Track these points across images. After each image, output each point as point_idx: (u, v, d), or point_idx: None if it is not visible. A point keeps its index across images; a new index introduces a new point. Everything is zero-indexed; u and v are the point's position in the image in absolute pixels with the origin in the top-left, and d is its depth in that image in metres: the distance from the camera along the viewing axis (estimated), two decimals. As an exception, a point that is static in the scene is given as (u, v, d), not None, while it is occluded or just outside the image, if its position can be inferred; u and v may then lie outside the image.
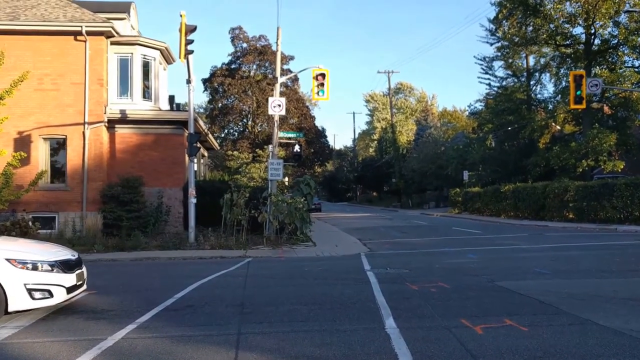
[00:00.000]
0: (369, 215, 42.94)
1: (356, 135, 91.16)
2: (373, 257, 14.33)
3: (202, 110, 53.05)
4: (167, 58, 22.27)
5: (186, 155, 21.66)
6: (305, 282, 10.37)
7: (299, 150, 19.98)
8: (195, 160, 22.80)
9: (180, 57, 14.14)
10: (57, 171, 19.52)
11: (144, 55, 20.65)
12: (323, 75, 19.40)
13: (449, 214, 39.75)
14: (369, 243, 18.67)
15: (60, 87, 19.23)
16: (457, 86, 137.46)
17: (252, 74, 40.35)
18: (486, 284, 9.70)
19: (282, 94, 40.00)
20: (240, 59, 39.88)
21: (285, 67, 41.13)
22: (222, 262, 14.01)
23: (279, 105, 19.66)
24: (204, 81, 41.47)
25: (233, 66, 40.50)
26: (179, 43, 14.60)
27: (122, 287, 10.10)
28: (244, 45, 40.13)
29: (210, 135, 25.59)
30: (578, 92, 22.82)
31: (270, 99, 19.86)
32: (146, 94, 20.84)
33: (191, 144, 16.37)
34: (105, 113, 19.53)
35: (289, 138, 21.81)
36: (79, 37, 19.36)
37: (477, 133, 51.13)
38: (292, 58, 41.02)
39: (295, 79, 41.35)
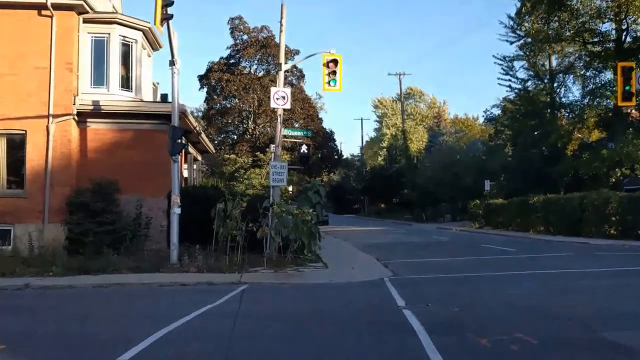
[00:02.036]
0: (381, 229, 40.06)
1: (364, 143, 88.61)
2: (402, 285, 11.44)
3: (199, 115, 50.20)
4: (152, 42, 19.53)
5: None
6: (321, 331, 7.46)
7: (306, 151, 17.23)
8: (180, 160, 19.96)
9: (155, 23, 11.38)
10: (14, 174, 16.66)
11: (124, 36, 17.91)
12: (335, 61, 16.70)
13: (468, 228, 36.85)
14: (389, 263, 15.80)
15: (20, 72, 16.44)
16: (468, 93, 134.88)
17: (252, 70, 37.69)
18: (589, 337, 6.85)
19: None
20: (241, 53, 37.12)
21: (289, 62, 38.47)
22: (209, 290, 11.15)
23: (283, 98, 16.88)
24: (200, 78, 38.66)
25: (232, 61, 37.75)
26: (154, 5, 11.75)
27: (45, 338, 7.16)
28: (245, 37, 37.39)
29: (203, 136, 22.78)
30: (627, 87, 19.94)
31: (273, 90, 17.08)
32: (125, 82, 18.07)
33: (174, 139, 13.55)
34: (74, 104, 16.72)
35: (295, 137, 18.98)
36: (43, 12, 16.58)
37: (493, 140, 48.63)
38: (297, 52, 38.26)
39: (301, 76, 38.65)
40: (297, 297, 10.40)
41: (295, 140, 20.84)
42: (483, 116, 68.61)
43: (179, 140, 13.72)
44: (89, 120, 17.23)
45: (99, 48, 17.67)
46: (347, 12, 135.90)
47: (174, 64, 14.07)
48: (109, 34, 17.62)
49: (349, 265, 15.19)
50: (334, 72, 16.74)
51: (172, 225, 14.06)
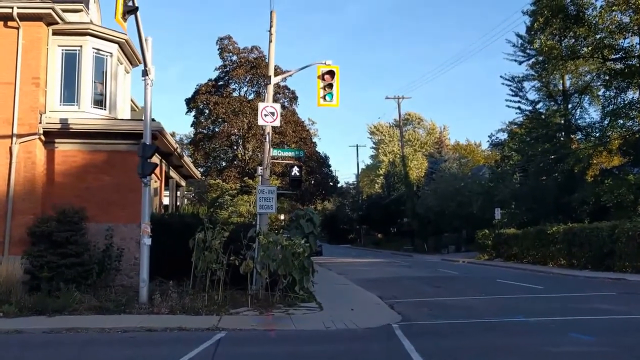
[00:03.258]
0: (380, 261, 38.34)
1: (359, 171, 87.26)
2: (417, 335, 9.73)
3: (187, 142, 48.71)
4: (131, 57, 18.25)
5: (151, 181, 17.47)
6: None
7: (298, 173, 15.72)
8: (160, 185, 18.56)
9: (116, 16, 10.01)
10: (-30, 200, 15.19)
11: (98, 49, 16.63)
12: (332, 73, 15.41)
13: (477, 260, 35.15)
14: (396, 304, 14.18)
15: (-20, 87, 15.13)
16: (466, 119, 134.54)
17: (242, 92, 36.47)
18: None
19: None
20: (230, 74, 35.93)
21: (282, 83, 37.33)
22: (177, 339, 9.58)
23: (272, 114, 15.52)
24: (187, 101, 37.36)
25: (221, 83, 36.55)
26: None
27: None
28: (234, 57, 36.23)
29: (186, 159, 21.36)
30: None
31: (261, 105, 15.73)
32: (99, 100, 16.72)
33: (145, 158, 12.10)
34: (40, 122, 15.37)
35: (285, 158, 17.51)
36: (9, 23, 15.39)
37: (500, 167, 47.15)
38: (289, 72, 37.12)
39: (293, 98, 37.39)
40: (284, 353, 8.78)
41: (286, 161, 19.34)
42: (488, 141, 67.36)
43: (150, 160, 12.24)
44: (57, 140, 15.86)
45: (70, 62, 16.43)
46: (342, 38, 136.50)
47: (147, 74, 12.73)
48: (81, 46, 16.39)
49: (347, 306, 13.57)
50: (330, 86, 15.44)
51: (142, 259, 12.51)
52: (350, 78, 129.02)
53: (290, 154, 16.88)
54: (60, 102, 16.30)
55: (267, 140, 16.10)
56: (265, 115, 15.60)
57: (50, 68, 16.05)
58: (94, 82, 16.60)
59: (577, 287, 17.62)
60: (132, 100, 21.38)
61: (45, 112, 15.66)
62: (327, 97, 15.50)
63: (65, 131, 15.63)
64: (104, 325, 10.52)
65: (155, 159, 17.78)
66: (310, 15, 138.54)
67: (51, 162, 15.81)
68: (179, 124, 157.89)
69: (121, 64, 17.82)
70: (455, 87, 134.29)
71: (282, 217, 39.40)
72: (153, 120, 17.38)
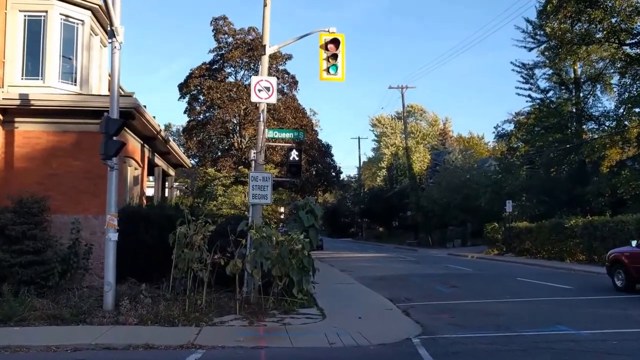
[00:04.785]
0: (384, 255, 36.14)
1: (361, 163, 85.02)
2: (445, 357, 7.61)
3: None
4: (107, 26, 15.90)
5: (128, 166, 15.23)
6: None
7: (297, 158, 13.47)
8: (142, 172, 16.20)
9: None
10: None
11: (67, 16, 14.34)
12: (336, 42, 13.15)
13: (487, 255, 32.97)
14: (410, 309, 11.97)
15: None
16: (471, 111, 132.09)
17: (239, 77, 34.09)
18: None
19: (277, 103, 33.57)
20: (225, 57, 33.49)
21: (281, 67, 34.88)
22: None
23: (267, 89, 13.23)
24: (180, 87, 34.89)
25: (215, 66, 34.12)
26: None
27: None
28: (230, 39, 33.78)
29: (173, 144, 19.05)
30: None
31: (254, 79, 13.45)
32: (68, 74, 14.44)
33: (108, 135, 9.81)
34: (-3, 98, 13.11)
35: (283, 140, 15.21)
36: (-40, -17, 13.13)
37: (506, 158, 45.05)
38: (289, 57, 34.77)
39: (293, 83, 34.91)
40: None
41: (286, 145, 17.02)
42: (493, 132, 65.05)
43: (116, 137, 9.96)
44: (17, 119, 13.61)
45: (34, 30, 14.16)
46: (344, 31, 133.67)
47: (114, 35, 10.44)
48: (46, 11, 14.13)
49: (354, 312, 11.34)
50: (335, 56, 13.15)
51: (107, 257, 10.25)
52: (351, 71, 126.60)
53: (288, 135, 14.55)
54: (22, 75, 14.03)
55: (262, 119, 13.80)
56: (260, 90, 13.31)
57: (10, 36, 13.78)
58: (62, 56, 14.32)
59: (612, 288, 15.31)
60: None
61: (3, 87, 13.40)
62: (330, 70, 13.21)
63: (26, 108, 13.33)
64: (52, 342, 8.28)
65: (134, 141, 15.56)
66: (309, 10, 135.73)
67: (10, 144, 13.54)
68: (173, 116, 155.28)
69: (96, 34, 15.54)
70: (456, 80, 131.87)
71: (281, 209, 37.13)
72: (127, 95, 15.12)
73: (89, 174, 13.40)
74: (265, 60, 14.09)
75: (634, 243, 15.11)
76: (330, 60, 13.13)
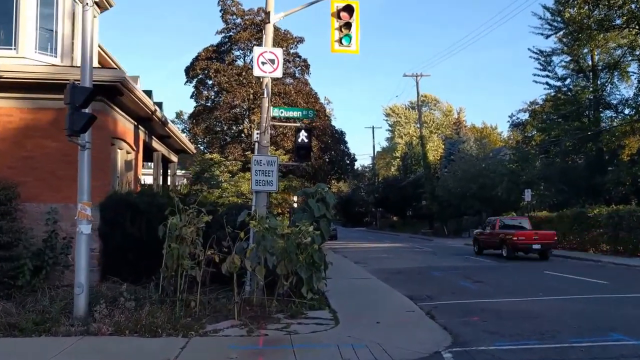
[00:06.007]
0: (399, 245, 34.28)
1: (375, 153, 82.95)
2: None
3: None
4: (95, -6, 14.06)
5: (117, 149, 13.42)
6: None
7: (306, 140, 11.61)
8: (137, 156, 14.30)
9: None
10: None
11: (45, -22, 12.50)
12: (350, 9, 11.26)
13: (506, 245, 30.88)
14: (434, 310, 10.14)
15: None
16: (484, 102, 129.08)
17: (247, 60, 32.09)
18: None
19: (287, 87, 31.59)
20: (233, 38, 31.56)
21: (292, 50, 32.87)
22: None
23: (272, 61, 11.34)
24: (187, 70, 33.07)
25: (223, 48, 32.22)
26: None
27: None
28: (238, 20, 31.84)
29: (172, 126, 17.22)
30: None
31: (257, 50, 11.56)
32: (47, 43, 12.63)
33: (74, 107, 7.97)
34: (-39, 70, 11.31)
35: (290, 119, 13.29)
36: None
37: (521, 147, 43.22)
38: (301, 40, 32.76)
39: (305, 67, 32.93)
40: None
41: (292, 125, 15.05)
42: (508, 121, 63.01)
43: (85, 110, 8.11)
44: (-13, 95, 11.79)
45: (7, -8, 12.29)
46: (366, 11, 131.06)
47: (86, -10, 8.56)
48: (21, -28, 12.23)
49: (371, 315, 9.49)
50: (348, 25, 11.25)
51: (79, 254, 8.43)
52: (365, 60, 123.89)
53: (296, 113, 12.63)
54: (-6, 45, 12.25)
55: (266, 95, 11.90)
56: (263, 63, 11.43)
57: (-21, 1, 11.99)
58: (40, 21, 12.50)
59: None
60: (108, 56, 17.32)
61: (-29, 57, 11.63)
62: (343, 41, 11.32)
63: (-3, 82, 11.56)
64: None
65: (125, 122, 13.72)
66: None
67: (-21, 123, 11.79)
68: (182, 104, 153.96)
69: (81, 1, 13.66)
70: (470, 70, 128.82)
71: (294, 198, 35.32)
72: (112, 68, 13.28)
73: (69, 157, 11.47)
74: (269, 29, 12.13)
75: None
76: (343, 30, 11.24)
